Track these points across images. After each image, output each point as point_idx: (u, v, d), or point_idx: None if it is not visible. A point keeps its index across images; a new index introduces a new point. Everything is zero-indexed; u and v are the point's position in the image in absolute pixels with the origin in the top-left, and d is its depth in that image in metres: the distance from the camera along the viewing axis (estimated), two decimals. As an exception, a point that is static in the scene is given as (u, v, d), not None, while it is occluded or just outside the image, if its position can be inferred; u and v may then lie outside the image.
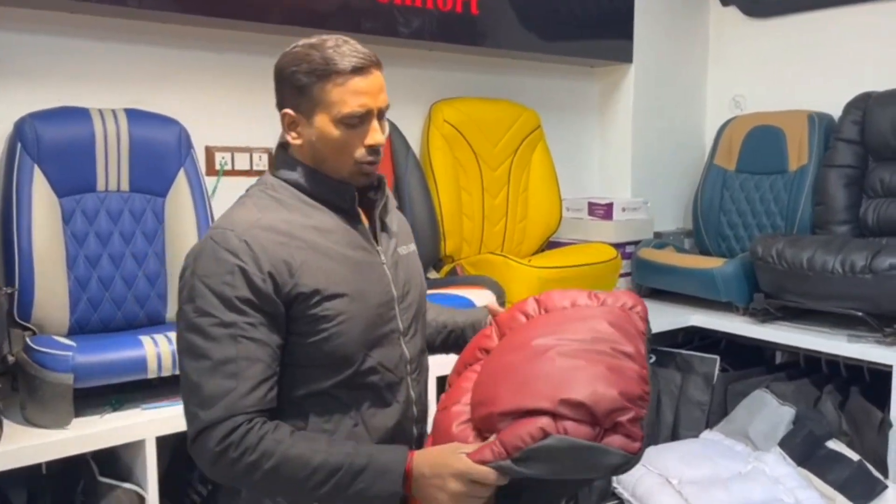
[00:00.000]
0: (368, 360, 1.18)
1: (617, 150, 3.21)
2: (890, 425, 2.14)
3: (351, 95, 1.12)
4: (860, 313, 2.22)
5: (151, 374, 1.66)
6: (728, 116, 3.19)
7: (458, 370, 1.28)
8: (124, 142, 1.94)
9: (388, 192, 1.28)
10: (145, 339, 1.69)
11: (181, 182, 2.02)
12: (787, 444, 2.29)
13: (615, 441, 1.00)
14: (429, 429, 1.28)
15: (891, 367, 2.14)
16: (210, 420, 1.04)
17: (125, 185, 1.96)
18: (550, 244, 2.98)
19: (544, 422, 0.99)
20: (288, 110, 1.15)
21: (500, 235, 2.85)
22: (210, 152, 2.28)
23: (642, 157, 3.19)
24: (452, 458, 1.06)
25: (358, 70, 1.13)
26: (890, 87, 2.63)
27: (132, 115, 1.97)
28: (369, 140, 1.15)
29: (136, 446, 1.62)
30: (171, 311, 1.97)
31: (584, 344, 1.10)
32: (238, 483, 1.09)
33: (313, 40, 1.16)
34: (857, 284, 2.16)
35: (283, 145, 1.21)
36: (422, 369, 1.30)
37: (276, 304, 1.09)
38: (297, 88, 1.14)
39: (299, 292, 1.10)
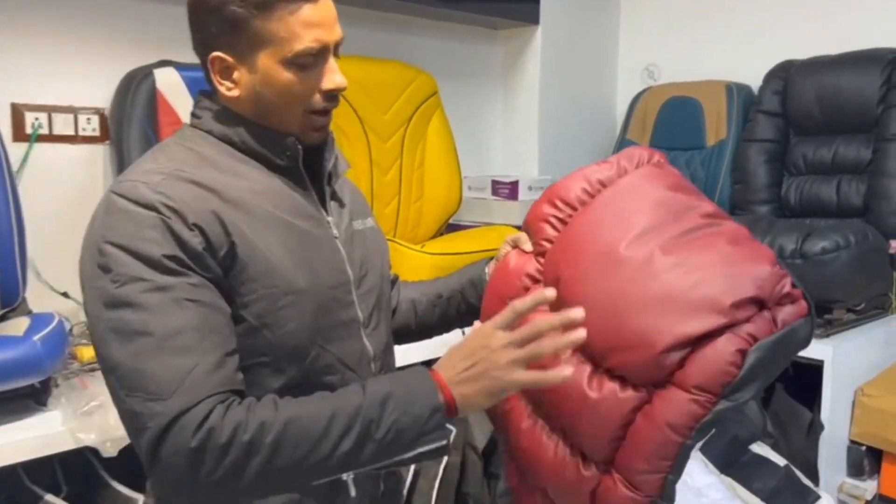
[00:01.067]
0: (324, 354, 0.98)
1: (522, 123, 2.91)
2: (821, 427, 1.93)
3: (302, 28, 0.94)
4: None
5: None
6: (641, 87, 2.94)
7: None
8: None
9: (339, 153, 1.10)
10: None
11: (-32, 147, 1.57)
12: (708, 450, 2.05)
13: (789, 313, 0.94)
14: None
15: (822, 362, 1.92)
16: (175, 410, 0.81)
17: None
18: (450, 227, 2.65)
19: (732, 341, 0.90)
20: (218, 53, 0.95)
21: (392, 217, 2.49)
22: (18, 112, 1.81)
23: (550, 131, 2.90)
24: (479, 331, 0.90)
25: None
26: (813, 55, 2.42)
27: None
28: (327, 83, 0.97)
29: None
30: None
31: (671, 226, 0.99)
32: (234, 484, 0.82)
33: None
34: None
35: (207, 94, 1.02)
36: (388, 369, 1.11)
37: (212, 267, 0.89)
38: (229, 24, 0.93)
39: (236, 256, 0.90)
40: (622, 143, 2.86)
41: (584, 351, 0.98)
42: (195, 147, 0.99)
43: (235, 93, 0.98)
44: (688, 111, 2.69)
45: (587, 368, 0.99)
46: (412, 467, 1.84)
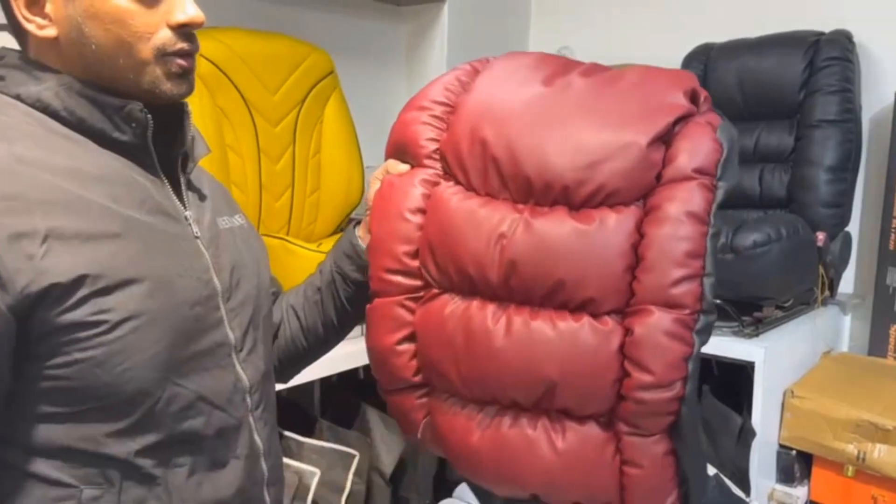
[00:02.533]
0: (182, 392, 0.78)
1: (429, 107, 2.69)
2: (753, 434, 1.80)
3: None
4: (719, 301, 1.85)
5: None
6: (554, 71, 2.77)
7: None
8: None
9: (197, 132, 0.91)
10: None
11: None
12: (635, 461, 1.90)
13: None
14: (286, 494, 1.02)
15: (752, 363, 1.79)
16: None
17: None
18: (351, 222, 2.39)
19: (704, 127, 0.93)
20: None
21: (284, 212, 2.21)
22: None
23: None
24: None
25: None
26: (732, 38, 2.31)
27: None
28: (178, 15, 0.79)
29: None
30: None
31: (571, 68, 1.04)
32: None
33: None
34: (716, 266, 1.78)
35: (14, 50, 0.80)
36: (268, 402, 0.92)
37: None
38: None
39: (48, 285, 0.68)
40: (535, 130, 2.69)
41: (559, 196, 0.91)
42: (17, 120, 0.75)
43: (50, 32, 0.75)
44: (604, 96, 2.54)
45: (562, 211, 0.92)
46: (309, 501, 1.59)
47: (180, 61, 0.80)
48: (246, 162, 2.08)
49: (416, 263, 0.97)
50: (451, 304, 0.95)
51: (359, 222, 1.10)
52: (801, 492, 1.89)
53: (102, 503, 0.74)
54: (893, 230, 2.04)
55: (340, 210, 2.32)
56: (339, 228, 2.34)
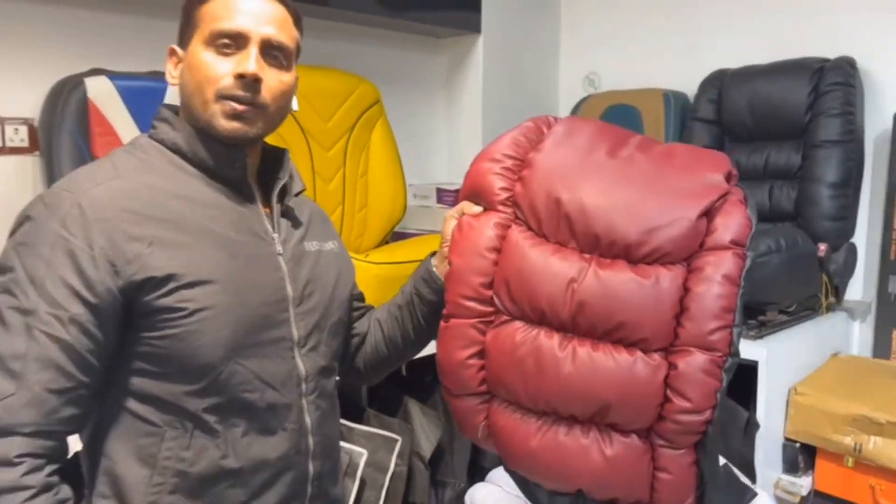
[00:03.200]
0: (239, 370, 0.97)
1: (466, 132, 2.92)
2: (757, 426, 1.98)
3: (226, 10, 0.97)
4: (725, 306, 2.04)
5: None
6: (582, 94, 2.99)
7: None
8: None
9: (294, 171, 1.11)
10: None
11: None
12: (651, 451, 2.09)
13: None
14: (341, 469, 1.15)
15: (756, 362, 1.97)
16: None
17: None
18: (395, 235, 2.64)
19: (737, 205, 1.12)
20: (173, 45, 1.02)
21: (335, 227, 2.46)
22: (-61, 122, 1.74)
23: (493, 138, 2.92)
24: None
25: None
26: (746, 64, 2.50)
27: None
28: (238, 67, 0.96)
29: None
30: None
31: (628, 140, 1.23)
32: None
33: None
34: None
35: (175, 108, 1.04)
36: (323, 391, 1.09)
37: (106, 293, 0.89)
38: (184, 15, 1.01)
39: (148, 277, 0.90)
40: (565, 150, 2.90)
41: (621, 251, 1.12)
42: (139, 154, 1.00)
43: (176, 82, 1.01)
44: (627, 119, 2.74)
45: (623, 264, 1.12)
46: (358, 478, 1.82)
47: (234, 104, 0.97)
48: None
49: (489, 293, 1.18)
50: (522, 331, 1.16)
51: (435, 252, 1.29)
52: (805, 481, 2.05)
53: (178, 443, 0.94)
54: (894, 241, 2.20)
55: (386, 224, 2.57)
56: (385, 241, 2.59)
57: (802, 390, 2.03)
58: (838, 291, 2.28)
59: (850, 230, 2.27)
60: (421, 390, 2.12)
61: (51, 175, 1.82)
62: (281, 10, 1.02)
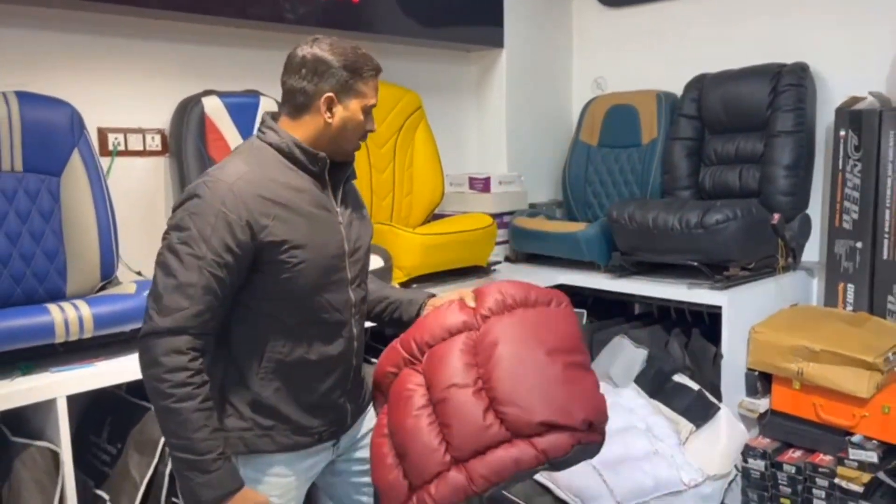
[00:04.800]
0: (318, 299, 1.42)
1: (493, 129, 3.49)
2: (721, 357, 2.51)
3: (372, 91, 1.43)
4: (696, 263, 2.58)
5: (59, 338, 1.77)
6: (591, 96, 3.53)
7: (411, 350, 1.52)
8: (16, 123, 1.99)
9: (353, 168, 1.53)
10: (52, 307, 1.80)
11: (75, 162, 2.09)
12: (640, 381, 2.64)
13: (597, 438, 1.41)
14: (366, 376, 1.58)
15: (720, 307, 2.51)
16: (161, 327, 1.28)
17: (18, 166, 2.02)
18: (435, 216, 3.21)
19: (567, 438, 1.35)
20: (330, 94, 1.39)
21: (388, 209, 3.06)
22: (103, 134, 2.37)
23: (516, 135, 3.48)
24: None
25: (377, 72, 1.44)
26: (722, 69, 3.02)
27: (23, 97, 2.03)
28: (370, 126, 1.47)
29: (47, 406, 1.73)
30: (72, 287, 2.06)
31: (569, 355, 1.44)
32: (149, 389, 1.31)
33: (340, 41, 1.42)
34: (692, 238, 2.51)
35: (274, 116, 1.47)
36: (362, 313, 1.55)
37: (248, 248, 1.33)
38: (341, 79, 1.39)
39: (270, 240, 1.34)
40: (576, 144, 3.44)
41: (490, 389, 1.39)
42: (258, 154, 1.42)
43: (331, 120, 1.41)
44: (627, 116, 3.28)
45: (485, 402, 1.38)
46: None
47: (359, 146, 1.49)
48: (361, 174, 2.94)
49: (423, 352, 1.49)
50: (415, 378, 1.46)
51: (433, 295, 1.68)
52: (763, 402, 2.57)
53: (279, 343, 1.41)
54: (837, 212, 2.70)
55: (428, 206, 3.15)
56: (427, 219, 3.16)
57: (759, 329, 2.56)
58: (795, 254, 2.79)
59: (804, 203, 2.78)
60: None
61: (179, 172, 2.43)
62: None
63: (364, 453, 1.61)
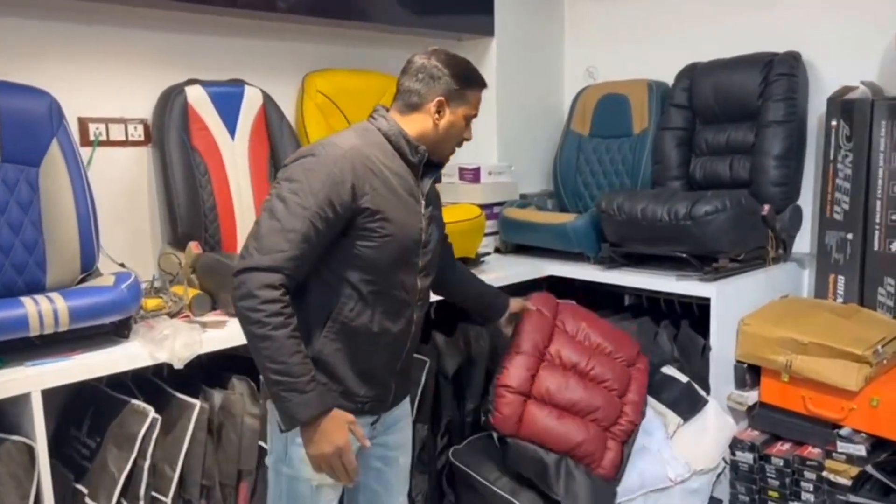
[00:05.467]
0: (392, 275, 1.58)
1: (483, 119, 3.39)
2: (709, 349, 2.49)
3: (476, 103, 1.65)
4: (684, 255, 2.56)
5: (34, 331, 1.75)
6: (582, 86, 3.49)
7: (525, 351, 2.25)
8: (-8, 113, 1.97)
9: (440, 174, 1.77)
10: (25, 300, 1.77)
11: (54, 152, 2.06)
12: (629, 373, 2.61)
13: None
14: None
15: (708, 299, 2.49)
16: (260, 263, 1.42)
17: (-4, 156, 2.00)
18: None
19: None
20: (442, 98, 1.58)
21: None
22: (84, 123, 2.34)
23: (507, 125, 3.45)
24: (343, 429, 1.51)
25: (483, 86, 1.66)
26: (714, 57, 2.98)
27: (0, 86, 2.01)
28: (468, 135, 1.67)
29: (23, 400, 1.70)
30: (51, 279, 2.04)
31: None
32: (241, 320, 1.45)
33: (453, 54, 1.63)
34: (681, 230, 2.49)
35: (385, 108, 1.64)
36: (425, 302, 1.71)
37: (347, 209, 1.48)
38: (453, 87, 1.58)
39: (367, 207, 1.50)
40: (567, 134, 3.41)
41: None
42: (370, 136, 1.59)
43: (440, 122, 1.60)
44: (618, 105, 3.24)
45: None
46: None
47: (454, 150, 1.69)
48: (348, 164, 2.91)
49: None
50: None
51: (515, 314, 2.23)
52: (751, 395, 2.56)
53: (348, 306, 1.55)
54: (829, 202, 2.68)
55: (416, 198, 3.12)
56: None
57: (748, 321, 2.53)
58: (786, 245, 2.77)
59: (794, 194, 2.75)
60: (445, 326, 2.66)
61: (162, 162, 2.41)
62: None
63: (394, 438, 1.78)
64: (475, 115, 1.64)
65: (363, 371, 1.60)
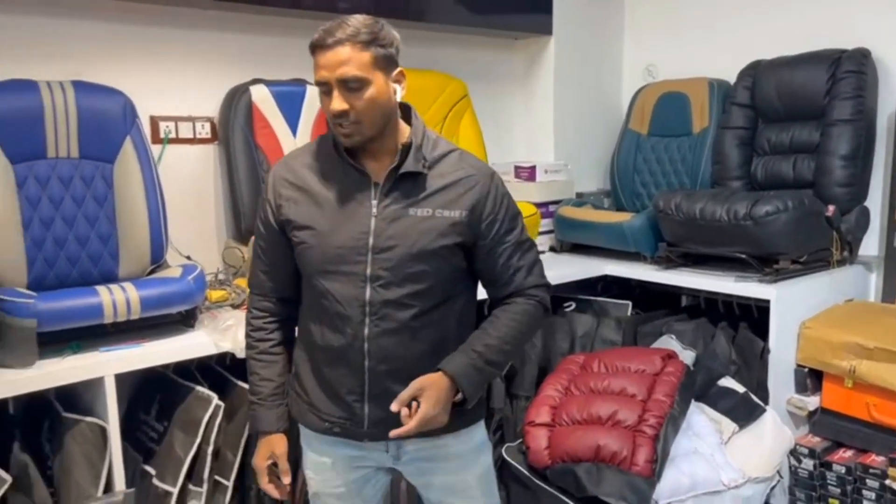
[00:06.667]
0: (319, 285, 1.45)
1: (540, 117, 3.45)
2: (768, 351, 2.45)
3: (316, 68, 1.36)
4: (744, 256, 2.52)
5: (108, 318, 1.84)
6: (641, 84, 3.45)
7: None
8: (72, 111, 2.06)
9: (421, 158, 1.42)
10: (100, 289, 1.87)
11: (128, 149, 2.15)
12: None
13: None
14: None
15: (768, 301, 2.44)
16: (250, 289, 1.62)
17: (74, 152, 2.08)
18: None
19: None
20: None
21: (432, 197, 3.06)
22: (155, 122, 2.44)
23: (563, 124, 3.44)
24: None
25: (315, 47, 1.35)
26: (778, 54, 2.92)
27: (78, 86, 2.10)
28: (325, 108, 1.37)
29: (97, 383, 1.80)
30: (123, 269, 2.13)
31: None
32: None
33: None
34: (740, 230, 2.44)
35: None
36: (390, 319, 1.42)
37: (272, 224, 1.50)
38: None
39: (285, 219, 1.47)
40: (625, 132, 3.38)
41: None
42: (319, 141, 1.51)
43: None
44: (678, 104, 3.20)
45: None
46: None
47: (338, 131, 1.38)
48: (406, 162, 2.95)
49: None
50: None
51: None
52: (812, 400, 2.50)
53: (305, 316, 1.53)
54: (898, 203, 2.59)
55: (472, 196, 3.14)
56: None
57: (810, 324, 2.47)
58: (852, 247, 2.69)
59: (861, 195, 2.67)
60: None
61: (227, 159, 2.49)
62: (346, 51, 1.32)
63: (441, 479, 1.59)
64: (321, 84, 1.35)
65: (323, 388, 1.50)
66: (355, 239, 1.40)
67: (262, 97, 2.52)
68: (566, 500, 2.21)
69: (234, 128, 2.48)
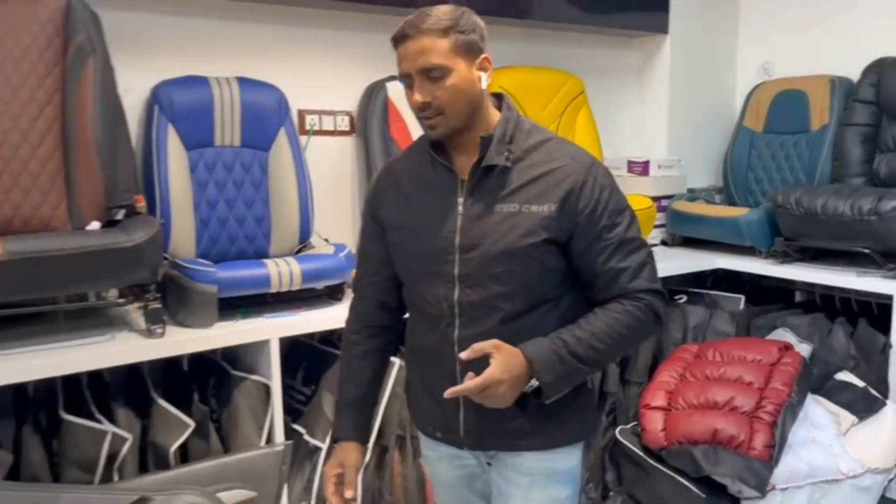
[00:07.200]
0: (411, 285, 1.43)
1: (654, 114, 3.52)
2: (890, 346, 2.45)
3: (398, 61, 1.31)
4: (867, 251, 2.53)
5: (273, 288, 2.06)
6: (756, 82, 3.47)
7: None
8: (236, 104, 2.29)
9: (504, 150, 1.32)
10: (268, 262, 2.10)
11: (282, 139, 2.38)
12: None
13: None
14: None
15: (891, 297, 2.44)
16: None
17: (237, 141, 2.32)
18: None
19: None
20: None
21: (547, 190, 3.18)
22: (301, 115, 2.66)
23: (677, 120, 3.50)
24: None
25: (396, 40, 1.31)
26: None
27: (242, 82, 2.34)
28: (410, 99, 1.32)
29: (262, 346, 2.02)
30: (274, 248, 2.36)
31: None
32: None
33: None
34: (864, 225, 2.46)
35: None
36: (478, 320, 1.33)
37: (374, 225, 1.47)
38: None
39: (382, 221, 1.45)
40: (739, 129, 3.41)
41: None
42: (416, 143, 1.48)
43: None
44: (796, 101, 3.20)
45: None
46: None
47: (425, 123, 1.33)
48: (524, 155, 3.08)
49: None
50: None
51: None
52: (935, 396, 2.48)
53: (410, 319, 1.48)
54: None
55: (586, 189, 3.24)
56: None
57: (935, 321, 2.46)
58: None
59: None
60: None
61: (365, 151, 2.69)
62: (425, 41, 1.27)
63: (534, 495, 1.41)
64: (404, 77, 1.31)
65: (423, 390, 1.45)
66: (444, 238, 1.34)
67: (397, 93, 2.70)
68: (681, 479, 2.30)
69: (372, 121, 2.67)
